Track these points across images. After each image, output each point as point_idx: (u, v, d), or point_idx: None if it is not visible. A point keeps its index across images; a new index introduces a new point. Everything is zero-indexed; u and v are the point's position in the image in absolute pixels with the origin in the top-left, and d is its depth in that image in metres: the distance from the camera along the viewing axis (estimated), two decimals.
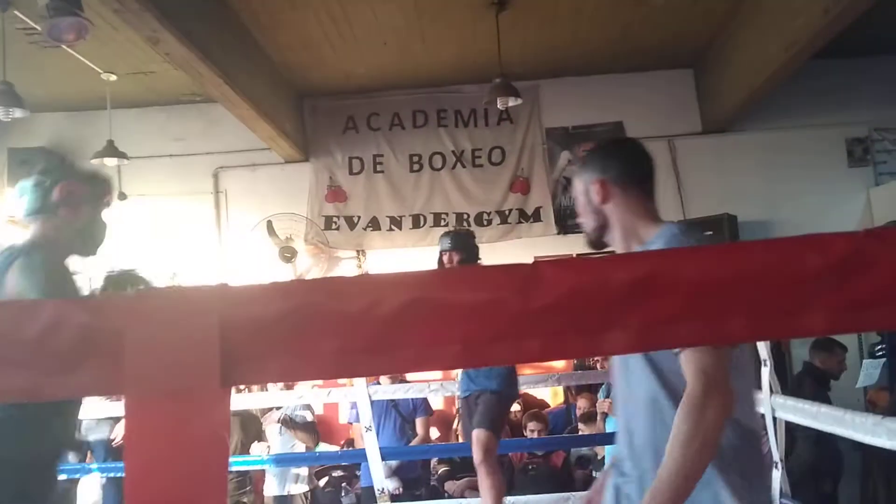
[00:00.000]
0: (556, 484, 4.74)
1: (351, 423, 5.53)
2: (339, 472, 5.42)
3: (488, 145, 6.62)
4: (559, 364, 5.45)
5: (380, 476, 4.06)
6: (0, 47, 4.52)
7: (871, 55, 6.11)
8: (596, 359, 5.06)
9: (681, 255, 0.56)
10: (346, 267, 6.65)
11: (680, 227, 1.71)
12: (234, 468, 4.66)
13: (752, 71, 5.36)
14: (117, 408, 4.74)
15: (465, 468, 4.98)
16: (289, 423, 5.01)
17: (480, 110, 6.55)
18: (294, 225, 6.52)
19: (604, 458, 4.56)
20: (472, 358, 0.63)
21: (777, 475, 2.52)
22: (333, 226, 6.64)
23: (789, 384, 4.21)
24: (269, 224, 6.47)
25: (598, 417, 4.93)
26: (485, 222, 6.55)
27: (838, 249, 0.54)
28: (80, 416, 4.73)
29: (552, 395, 6.19)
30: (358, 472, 5.17)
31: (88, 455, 4.93)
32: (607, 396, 4.80)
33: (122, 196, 6.46)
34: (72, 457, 4.85)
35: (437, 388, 4.44)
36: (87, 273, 3.30)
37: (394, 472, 4.72)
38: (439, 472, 5.15)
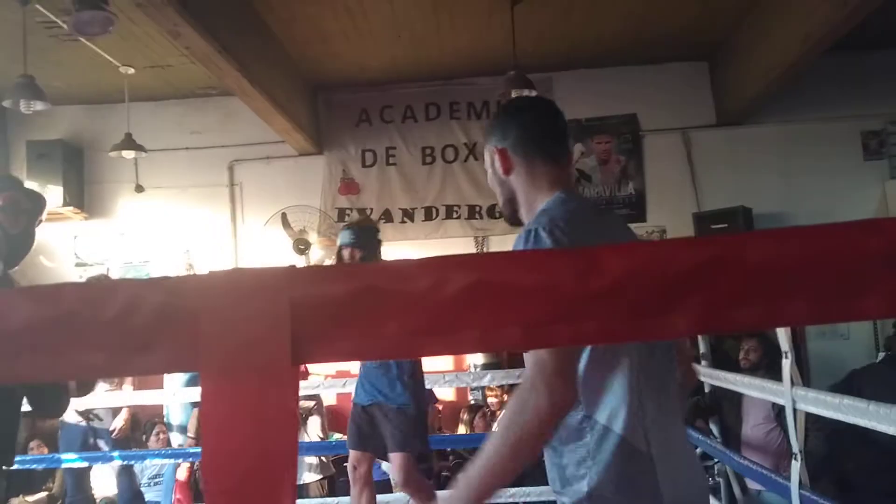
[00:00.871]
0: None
1: None
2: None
3: None
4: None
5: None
6: (21, 41, 4.56)
7: (888, 48, 6.08)
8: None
9: (742, 239, 0.58)
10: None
11: (569, 193, 1.49)
12: None
13: (768, 63, 5.35)
14: (120, 398, 4.81)
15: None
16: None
17: (493, 102, 6.54)
18: (308, 217, 6.55)
19: None
20: (532, 340, 0.65)
21: (797, 466, 2.54)
22: (346, 218, 6.66)
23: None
24: (284, 216, 6.50)
25: None
26: (497, 215, 6.55)
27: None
28: (90, 406, 4.82)
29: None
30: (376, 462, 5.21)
31: (98, 443, 4.98)
32: None
33: (140, 188, 6.52)
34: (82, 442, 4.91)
35: (452, 379, 4.47)
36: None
37: None
38: (452, 465, 5.17)
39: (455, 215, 6.56)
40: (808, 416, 2.63)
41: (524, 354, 1.31)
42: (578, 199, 1.53)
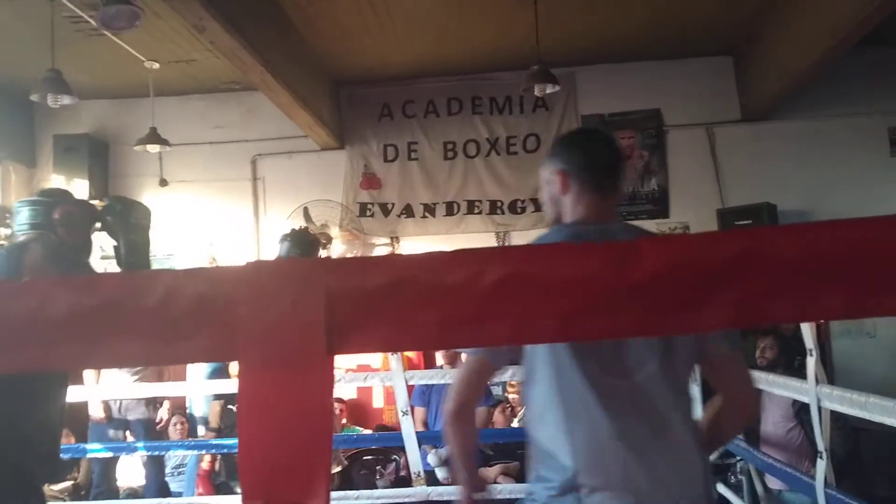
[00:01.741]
0: None
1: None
2: (370, 455, 5.47)
3: (523, 133, 6.61)
4: None
5: (416, 458, 4.10)
6: (49, 35, 4.62)
7: None
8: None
9: (779, 232, 0.57)
10: (380, 253, 6.70)
11: (573, 228, 1.62)
12: None
13: (794, 59, 5.29)
14: (154, 389, 4.85)
15: (500, 455, 5.01)
16: None
17: (515, 97, 6.54)
18: (329, 211, 6.58)
19: None
20: (568, 332, 0.65)
21: (822, 465, 2.52)
22: (368, 212, 6.68)
23: None
24: (306, 210, 6.53)
25: None
26: (518, 210, 6.55)
27: None
28: (118, 396, 4.87)
29: None
30: (394, 457, 5.23)
31: (128, 434, 5.03)
32: None
33: (163, 182, 6.58)
34: (112, 434, 4.96)
35: None
36: None
37: (445, 462, 4.66)
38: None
39: (476, 210, 6.56)
40: (830, 414, 2.61)
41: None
42: (593, 227, 1.59)
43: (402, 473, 5.12)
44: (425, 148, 6.67)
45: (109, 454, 4.75)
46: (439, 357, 5.34)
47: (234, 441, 4.66)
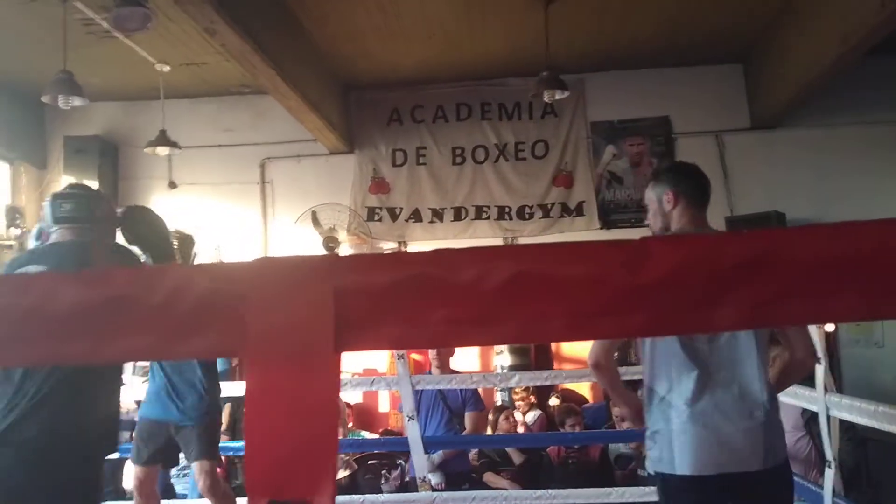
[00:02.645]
0: (595, 477, 4.74)
1: (399, 412, 5.53)
2: (375, 460, 5.46)
3: (532, 138, 6.61)
4: None
5: (422, 464, 4.09)
6: (60, 37, 4.64)
7: None
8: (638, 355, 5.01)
9: (793, 233, 0.57)
10: None
11: (691, 228, 2.25)
12: None
13: (804, 66, 5.27)
14: None
15: (507, 462, 4.99)
16: None
17: (524, 103, 6.54)
18: (338, 215, 6.58)
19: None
20: (576, 331, 0.64)
21: (830, 474, 2.50)
22: (376, 217, 6.69)
23: None
24: (314, 214, 6.53)
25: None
26: (526, 216, 6.55)
27: None
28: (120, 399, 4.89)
29: (590, 392, 6.17)
30: (399, 461, 5.21)
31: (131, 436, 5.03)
32: None
33: (173, 185, 6.61)
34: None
35: (480, 380, 4.45)
36: None
37: (438, 467, 4.67)
38: (478, 465, 5.16)
39: (484, 216, 6.56)
40: (839, 424, 2.59)
41: None
42: (694, 232, 2.19)
43: (408, 478, 5.11)
44: (434, 153, 6.67)
45: (116, 455, 4.75)
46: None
47: (239, 444, 4.68)
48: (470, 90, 6.64)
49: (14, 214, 6.27)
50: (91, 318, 0.61)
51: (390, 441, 5.08)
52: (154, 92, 6.12)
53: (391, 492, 4.98)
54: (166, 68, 5.85)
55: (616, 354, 2.82)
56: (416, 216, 6.64)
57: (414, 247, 6.66)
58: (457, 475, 4.76)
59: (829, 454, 2.54)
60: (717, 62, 6.34)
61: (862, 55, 4.87)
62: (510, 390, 5.77)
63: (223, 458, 5.20)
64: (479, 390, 4.95)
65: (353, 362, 5.95)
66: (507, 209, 6.56)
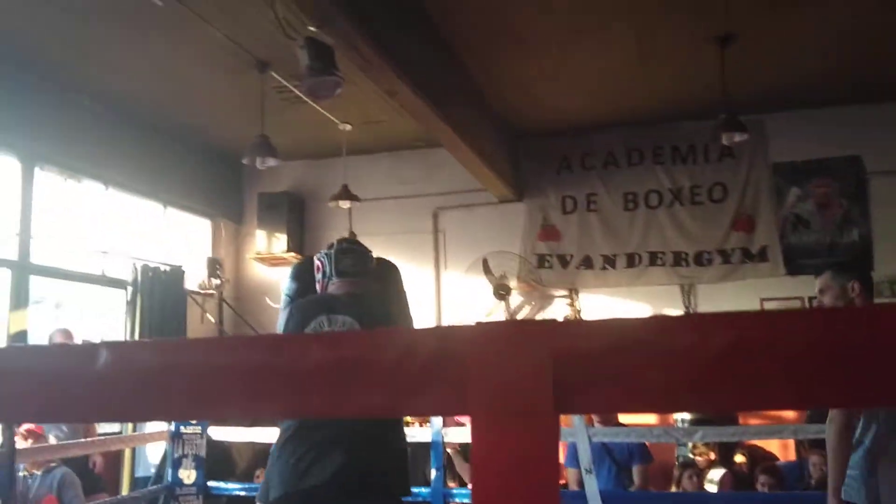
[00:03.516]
0: None
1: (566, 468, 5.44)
2: None
3: (708, 182, 6.39)
4: (790, 415, 5.08)
5: None
6: (258, 104, 5.10)
7: None
8: None
9: None
10: (559, 305, 6.68)
11: None
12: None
13: None
14: None
15: None
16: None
17: (699, 146, 6.36)
18: (508, 263, 6.66)
19: None
20: (803, 399, 0.63)
21: None
22: (546, 264, 6.70)
23: None
24: (485, 262, 6.65)
25: None
26: (705, 262, 6.31)
27: None
28: None
29: (781, 449, 5.76)
30: None
31: None
32: None
33: (353, 235, 6.97)
34: None
35: (661, 433, 4.29)
36: None
37: None
38: None
39: (659, 262, 6.39)
40: None
41: None
42: None
43: None
44: (605, 199, 6.62)
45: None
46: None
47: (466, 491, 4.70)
48: (641, 134, 6.55)
49: (215, 266, 6.86)
50: (331, 375, 0.67)
51: (567, 494, 4.98)
52: (337, 149, 6.54)
53: None
54: (348, 127, 6.24)
55: None
56: (587, 263, 6.59)
57: (585, 294, 6.60)
58: None
59: None
60: None
61: None
62: (689, 446, 5.51)
63: None
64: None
65: None
66: (683, 255, 6.36)
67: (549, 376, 0.64)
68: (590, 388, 0.65)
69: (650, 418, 5.96)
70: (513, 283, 6.62)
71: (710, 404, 0.63)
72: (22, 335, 5.02)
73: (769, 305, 6.00)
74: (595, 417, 4.79)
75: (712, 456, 5.48)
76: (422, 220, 7.03)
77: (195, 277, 6.69)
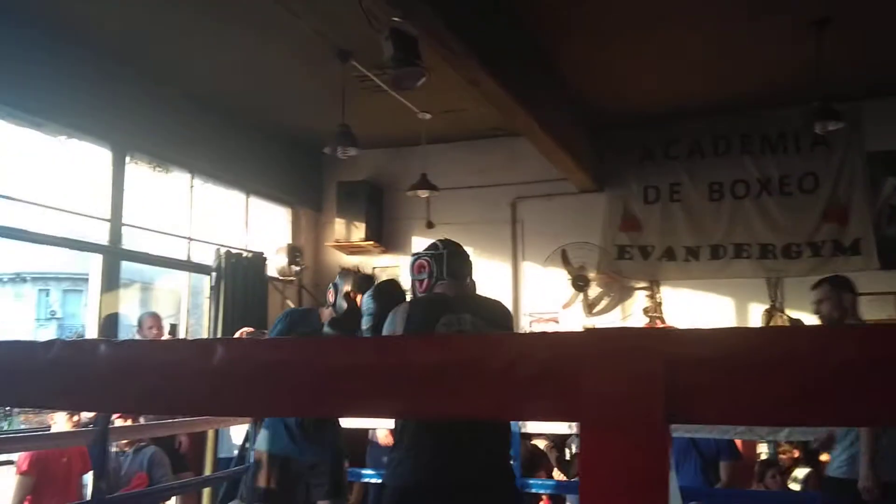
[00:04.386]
0: None
1: None
2: None
3: (798, 172, 6.16)
4: None
5: None
6: (339, 93, 5.17)
7: None
8: None
9: None
10: (639, 297, 6.57)
11: None
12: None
13: None
14: None
15: None
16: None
17: (790, 134, 6.14)
18: (587, 254, 6.59)
19: None
20: None
21: None
22: (626, 255, 6.60)
23: None
24: (564, 253, 6.61)
25: None
26: (793, 254, 6.10)
27: None
28: None
29: None
30: None
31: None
32: None
33: (430, 224, 7.03)
34: None
35: (744, 430, 4.19)
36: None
37: None
38: None
39: (745, 255, 6.21)
40: None
41: None
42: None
43: None
44: (689, 189, 6.46)
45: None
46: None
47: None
48: (728, 123, 6.36)
49: (294, 253, 7.01)
50: (444, 377, 0.68)
51: None
52: (416, 138, 6.58)
53: None
54: (427, 116, 6.26)
55: None
56: (670, 255, 6.45)
57: (666, 287, 6.47)
58: None
59: None
60: None
61: None
62: (775, 443, 5.36)
63: None
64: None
65: None
66: (770, 247, 6.16)
67: (661, 385, 0.64)
68: (701, 397, 0.64)
69: None
70: (592, 275, 6.55)
71: (827, 418, 0.61)
72: (113, 317, 5.25)
73: (861, 300, 5.75)
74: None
75: (796, 454, 5.31)
76: (500, 210, 7.01)
77: (276, 264, 6.86)
